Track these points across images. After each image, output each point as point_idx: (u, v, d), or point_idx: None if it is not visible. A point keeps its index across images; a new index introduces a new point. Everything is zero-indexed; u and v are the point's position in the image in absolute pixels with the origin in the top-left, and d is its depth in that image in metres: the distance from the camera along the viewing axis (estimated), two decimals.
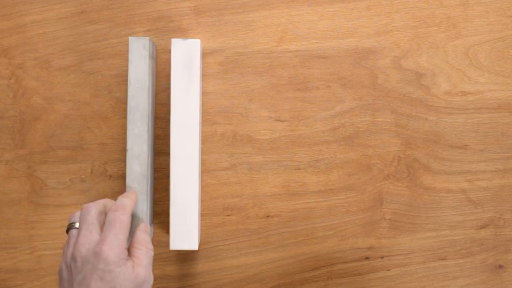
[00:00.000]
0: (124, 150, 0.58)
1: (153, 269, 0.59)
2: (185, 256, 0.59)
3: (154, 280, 0.59)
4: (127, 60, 0.58)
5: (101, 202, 0.49)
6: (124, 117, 0.58)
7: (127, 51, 0.58)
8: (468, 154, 0.59)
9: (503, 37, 0.58)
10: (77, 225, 0.49)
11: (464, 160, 0.59)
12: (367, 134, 0.58)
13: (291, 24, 0.58)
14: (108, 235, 0.46)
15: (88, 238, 0.46)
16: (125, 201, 0.49)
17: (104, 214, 0.49)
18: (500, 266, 0.59)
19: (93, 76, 0.58)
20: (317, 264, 0.59)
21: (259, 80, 0.58)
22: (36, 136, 0.58)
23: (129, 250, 0.48)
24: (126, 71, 0.58)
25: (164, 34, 0.58)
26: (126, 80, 0.58)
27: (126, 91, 0.58)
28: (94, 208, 0.48)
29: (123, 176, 0.59)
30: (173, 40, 0.54)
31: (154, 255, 0.59)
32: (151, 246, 0.49)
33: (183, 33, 0.58)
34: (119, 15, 0.58)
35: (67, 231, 0.49)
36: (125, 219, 0.47)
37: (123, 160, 0.59)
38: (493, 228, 0.59)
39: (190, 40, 0.54)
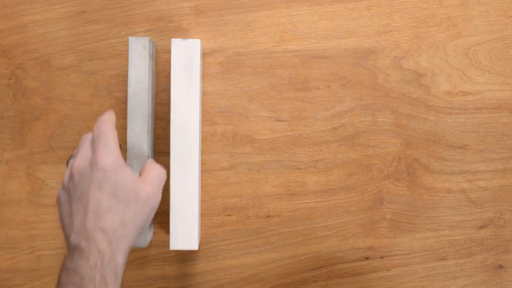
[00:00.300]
0: (124, 150, 0.58)
1: (153, 269, 0.59)
2: (185, 256, 0.59)
3: (154, 280, 0.59)
4: (127, 60, 0.58)
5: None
6: (124, 117, 0.58)
7: (127, 51, 0.58)
8: (468, 154, 0.59)
9: (503, 37, 0.58)
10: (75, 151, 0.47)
11: (464, 160, 0.59)
12: (367, 134, 0.58)
13: (291, 24, 0.58)
14: (98, 146, 0.44)
15: (83, 155, 0.45)
16: (105, 117, 0.47)
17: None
18: (500, 266, 0.59)
19: (93, 76, 0.58)
20: (317, 264, 0.59)
21: (259, 80, 0.58)
22: (36, 136, 0.58)
23: (140, 174, 0.47)
24: (126, 71, 0.58)
25: (164, 34, 0.58)
26: (126, 80, 0.58)
27: (126, 91, 0.58)
28: (89, 135, 0.47)
29: None
30: (173, 40, 0.54)
31: (154, 255, 0.59)
32: (163, 169, 0.48)
33: (183, 33, 0.58)
34: (119, 15, 0.58)
35: (67, 164, 0.48)
36: (109, 129, 0.45)
37: None
38: (493, 228, 0.59)
39: (190, 40, 0.54)
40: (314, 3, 0.58)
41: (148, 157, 0.54)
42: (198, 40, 0.54)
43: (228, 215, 0.59)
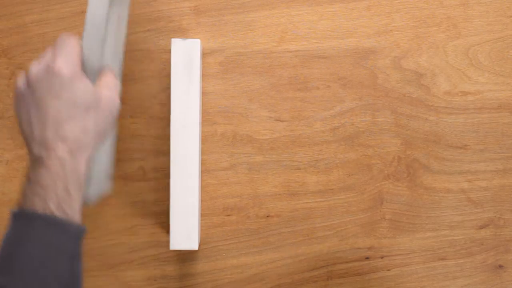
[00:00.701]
0: (124, 150, 0.58)
1: (153, 269, 0.59)
2: (185, 256, 0.59)
3: (154, 280, 0.59)
4: (127, 60, 0.58)
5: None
6: (124, 117, 0.58)
7: (127, 50, 0.58)
8: (468, 154, 0.59)
9: (503, 37, 0.58)
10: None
11: (464, 160, 0.59)
12: (367, 134, 0.58)
13: (291, 24, 0.58)
14: (59, 52, 0.42)
15: (38, 63, 0.43)
16: (71, 36, 0.45)
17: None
18: (500, 266, 0.59)
19: None
20: (317, 264, 0.59)
21: (259, 80, 0.58)
22: None
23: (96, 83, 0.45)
24: (126, 71, 0.58)
25: (164, 34, 0.58)
26: (126, 80, 0.58)
27: (126, 91, 0.58)
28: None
29: (122, 176, 0.59)
30: (173, 40, 0.54)
31: (154, 255, 0.59)
32: (116, 79, 0.46)
33: (183, 33, 0.58)
34: None
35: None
36: (74, 41, 0.43)
37: (122, 160, 0.59)
38: (493, 228, 0.59)
39: (190, 40, 0.54)
40: (314, 3, 0.58)
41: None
42: (198, 40, 0.54)
43: (228, 215, 0.59)
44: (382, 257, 0.59)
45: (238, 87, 0.58)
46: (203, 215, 0.59)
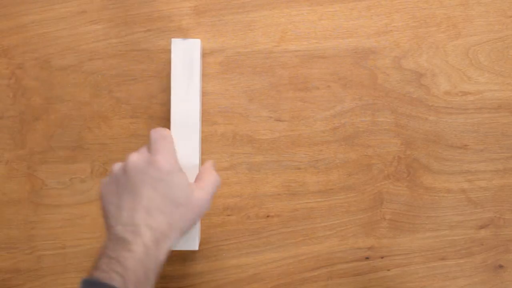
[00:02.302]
0: (124, 150, 0.58)
1: None
2: (185, 256, 0.59)
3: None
4: (127, 60, 0.58)
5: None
6: (124, 117, 0.58)
7: (127, 50, 0.58)
8: (468, 154, 0.59)
9: (503, 37, 0.58)
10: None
11: (464, 160, 0.59)
12: (367, 134, 0.58)
13: (291, 24, 0.58)
14: (159, 147, 0.46)
15: (139, 154, 0.46)
16: (163, 129, 0.48)
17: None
18: (500, 266, 0.59)
19: (93, 76, 0.58)
20: (317, 264, 0.59)
21: (259, 80, 0.58)
22: (36, 136, 0.58)
23: (195, 179, 0.49)
24: (126, 71, 0.58)
25: (164, 34, 0.58)
26: (126, 80, 0.58)
27: (126, 91, 0.58)
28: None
29: None
30: (173, 40, 0.54)
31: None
32: (218, 177, 0.49)
33: (183, 33, 0.58)
34: (119, 15, 0.58)
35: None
36: (169, 134, 0.47)
37: (123, 160, 0.59)
38: (493, 228, 0.59)
39: (190, 40, 0.54)
40: (314, 3, 0.58)
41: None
42: (198, 40, 0.54)
43: (228, 215, 0.59)
44: (382, 257, 0.59)
45: (238, 87, 0.58)
46: None
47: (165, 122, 0.58)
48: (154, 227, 0.43)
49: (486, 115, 0.59)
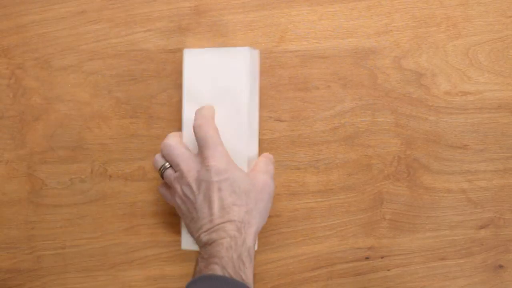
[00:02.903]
0: (124, 150, 0.58)
1: (153, 269, 0.59)
2: (185, 256, 0.59)
3: (154, 280, 0.59)
4: (127, 60, 0.58)
5: (172, 135, 0.52)
6: (124, 117, 0.58)
7: (127, 50, 0.58)
8: (468, 154, 0.59)
9: (503, 37, 0.58)
10: (167, 164, 0.52)
11: (464, 160, 0.59)
12: (367, 134, 0.58)
13: (291, 24, 0.58)
14: (208, 151, 0.48)
15: (190, 164, 0.49)
16: (204, 112, 0.51)
17: (182, 143, 0.52)
18: (500, 266, 0.59)
19: (93, 76, 0.58)
20: (317, 264, 0.59)
21: (259, 80, 0.58)
22: (36, 136, 0.58)
23: (252, 168, 0.52)
24: (126, 71, 0.58)
25: (164, 34, 0.58)
26: (126, 80, 0.58)
27: (126, 91, 0.58)
28: (172, 141, 0.51)
29: (123, 176, 0.59)
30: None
31: (154, 255, 0.59)
32: (268, 155, 0.54)
33: (183, 33, 0.58)
34: (119, 15, 0.58)
35: (162, 176, 0.52)
36: (212, 130, 0.50)
37: (123, 160, 0.59)
38: (493, 228, 0.59)
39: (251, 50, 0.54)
40: (314, 3, 0.58)
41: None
42: (253, 50, 0.54)
43: None
44: (382, 257, 0.59)
45: None
46: None
47: (166, 122, 0.58)
48: (234, 219, 0.47)
49: (486, 115, 0.59)
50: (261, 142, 0.58)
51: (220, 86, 0.53)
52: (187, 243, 0.55)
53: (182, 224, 0.55)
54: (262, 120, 0.58)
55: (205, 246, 0.47)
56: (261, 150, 0.58)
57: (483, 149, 0.59)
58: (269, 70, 0.58)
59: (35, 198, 0.59)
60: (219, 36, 0.58)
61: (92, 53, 0.58)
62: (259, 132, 0.58)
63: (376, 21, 0.58)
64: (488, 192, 0.59)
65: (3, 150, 0.58)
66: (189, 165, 0.49)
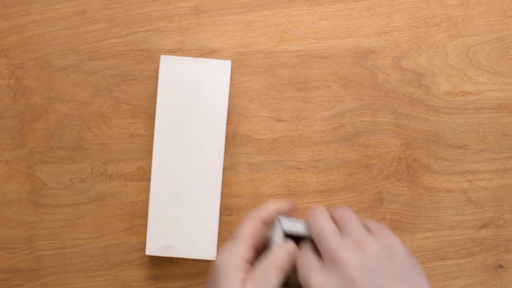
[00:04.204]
0: (124, 150, 0.58)
1: (153, 269, 0.59)
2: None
3: (154, 280, 0.59)
4: (127, 60, 0.58)
5: (264, 213, 0.41)
6: (124, 117, 0.58)
7: (127, 50, 0.58)
8: (468, 154, 0.59)
9: (503, 37, 0.58)
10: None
11: (464, 160, 0.59)
12: (367, 134, 0.58)
13: (291, 24, 0.58)
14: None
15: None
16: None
17: (266, 227, 0.41)
18: (500, 266, 0.59)
19: (93, 76, 0.58)
20: None
21: (259, 80, 0.58)
22: (36, 136, 0.58)
23: None
24: (126, 71, 0.58)
25: (164, 34, 0.58)
26: (126, 80, 0.58)
27: (126, 91, 0.58)
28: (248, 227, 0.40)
29: (123, 176, 0.59)
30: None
31: (154, 255, 0.59)
32: (276, 265, 0.38)
33: (183, 33, 0.58)
34: (119, 15, 0.58)
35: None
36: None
37: (123, 160, 0.59)
38: (493, 228, 0.59)
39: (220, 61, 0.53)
40: (314, 3, 0.58)
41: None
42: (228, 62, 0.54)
43: (228, 215, 0.59)
44: None
45: (238, 87, 0.58)
46: None
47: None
48: None
49: (486, 115, 0.59)
50: (261, 142, 0.58)
51: (197, 98, 0.53)
52: (152, 248, 0.54)
53: (148, 227, 0.54)
54: (262, 120, 0.58)
55: None
56: (261, 150, 0.58)
57: (483, 149, 0.59)
58: (269, 70, 0.58)
59: (35, 198, 0.59)
60: (219, 36, 0.58)
61: (92, 53, 0.58)
62: (259, 133, 0.58)
63: (376, 21, 0.58)
64: (488, 192, 0.59)
65: (3, 150, 0.58)
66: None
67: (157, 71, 0.58)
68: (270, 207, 0.43)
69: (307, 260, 0.38)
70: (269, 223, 0.43)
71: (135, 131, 0.58)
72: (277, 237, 0.41)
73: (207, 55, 0.58)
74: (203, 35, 0.58)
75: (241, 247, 0.39)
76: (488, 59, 0.58)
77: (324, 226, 0.38)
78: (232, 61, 0.58)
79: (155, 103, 0.58)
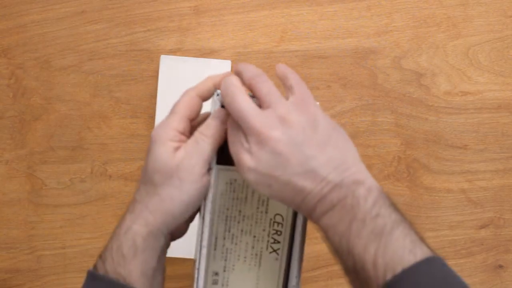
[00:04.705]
0: (124, 150, 0.58)
1: None
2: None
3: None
4: (127, 60, 0.58)
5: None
6: (124, 117, 0.58)
7: (127, 50, 0.58)
8: (468, 154, 0.59)
9: (503, 37, 0.58)
10: None
11: (464, 160, 0.59)
12: (367, 134, 0.58)
13: (291, 24, 0.58)
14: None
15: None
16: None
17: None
18: (500, 266, 0.59)
19: (93, 76, 0.58)
20: (317, 264, 0.59)
21: None
22: (36, 136, 0.58)
23: None
24: (126, 71, 0.58)
25: (164, 34, 0.58)
26: (126, 80, 0.58)
27: (126, 91, 0.58)
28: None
29: (123, 176, 0.59)
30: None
31: None
32: (207, 133, 0.39)
33: (183, 33, 0.58)
34: (119, 15, 0.58)
35: None
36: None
37: (123, 160, 0.59)
38: (493, 228, 0.59)
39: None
40: (314, 3, 0.58)
41: None
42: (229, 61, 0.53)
43: None
44: None
45: None
46: None
47: None
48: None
49: (486, 115, 0.59)
50: None
51: None
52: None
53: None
54: None
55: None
56: None
57: (483, 149, 0.59)
58: (269, 70, 0.58)
59: (35, 198, 0.59)
60: (219, 36, 0.58)
61: (92, 53, 0.58)
62: None
63: (376, 21, 0.58)
64: (488, 192, 0.59)
65: (3, 150, 0.58)
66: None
67: (157, 71, 0.58)
68: (207, 82, 0.41)
69: (235, 134, 0.38)
70: (207, 98, 0.42)
71: (135, 131, 0.58)
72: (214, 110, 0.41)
73: (207, 55, 0.58)
74: (203, 35, 0.58)
75: (175, 120, 0.39)
76: (488, 59, 0.58)
77: (242, 104, 0.37)
78: (232, 61, 0.58)
79: (155, 103, 0.58)
